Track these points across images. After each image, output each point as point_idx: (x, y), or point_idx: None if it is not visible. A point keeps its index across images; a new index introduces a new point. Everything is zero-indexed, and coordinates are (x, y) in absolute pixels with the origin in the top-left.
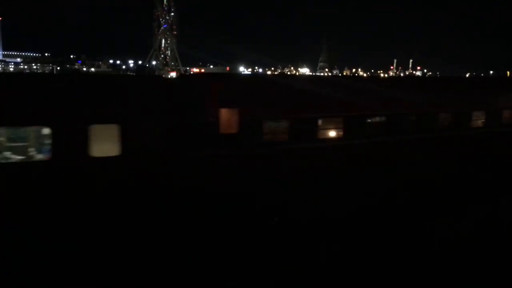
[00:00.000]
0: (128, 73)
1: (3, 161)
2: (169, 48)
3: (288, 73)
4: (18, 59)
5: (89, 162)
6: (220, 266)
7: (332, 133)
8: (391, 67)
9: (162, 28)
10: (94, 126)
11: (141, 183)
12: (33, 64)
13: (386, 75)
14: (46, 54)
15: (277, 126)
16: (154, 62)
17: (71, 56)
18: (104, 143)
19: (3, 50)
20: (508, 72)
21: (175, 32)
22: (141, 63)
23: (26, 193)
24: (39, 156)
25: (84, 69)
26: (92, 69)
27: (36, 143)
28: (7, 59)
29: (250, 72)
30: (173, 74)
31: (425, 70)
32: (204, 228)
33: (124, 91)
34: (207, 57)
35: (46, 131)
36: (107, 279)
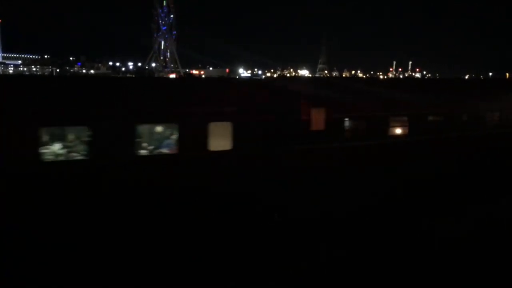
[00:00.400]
0: (128, 75)
1: (142, 153)
2: (168, 50)
3: (288, 75)
4: (19, 61)
5: (209, 156)
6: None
7: (399, 130)
8: (390, 69)
9: (161, 30)
10: (213, 123)
11: (250, 174)
12: (33, 66)
13: (385, 77)
14: (45, 56)
15: (354, 123)
16: (153, 64)
17: (71, 58)
18: (220, 139)
19: (3, 52)
20: (507, 74)
21: (174, 34)
22: (141, 65)
23: (163, 182)
24: (163, 150)
25: (84, 71)
26: (92, 71)
27: (148, 139)
28: (7, 61)
29: (249, 74)
30: (172, 76)
31: (424, 72)
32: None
33: (235, 92)
34: (207, 58)
35: (158, 128)
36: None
